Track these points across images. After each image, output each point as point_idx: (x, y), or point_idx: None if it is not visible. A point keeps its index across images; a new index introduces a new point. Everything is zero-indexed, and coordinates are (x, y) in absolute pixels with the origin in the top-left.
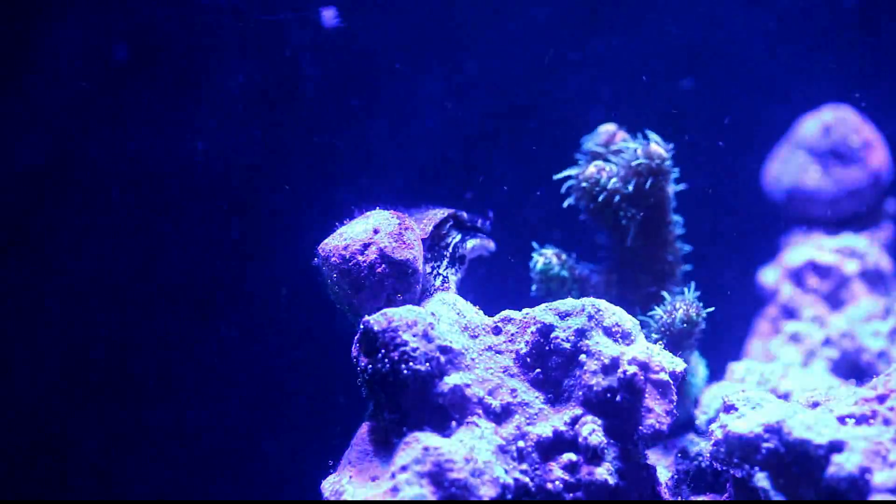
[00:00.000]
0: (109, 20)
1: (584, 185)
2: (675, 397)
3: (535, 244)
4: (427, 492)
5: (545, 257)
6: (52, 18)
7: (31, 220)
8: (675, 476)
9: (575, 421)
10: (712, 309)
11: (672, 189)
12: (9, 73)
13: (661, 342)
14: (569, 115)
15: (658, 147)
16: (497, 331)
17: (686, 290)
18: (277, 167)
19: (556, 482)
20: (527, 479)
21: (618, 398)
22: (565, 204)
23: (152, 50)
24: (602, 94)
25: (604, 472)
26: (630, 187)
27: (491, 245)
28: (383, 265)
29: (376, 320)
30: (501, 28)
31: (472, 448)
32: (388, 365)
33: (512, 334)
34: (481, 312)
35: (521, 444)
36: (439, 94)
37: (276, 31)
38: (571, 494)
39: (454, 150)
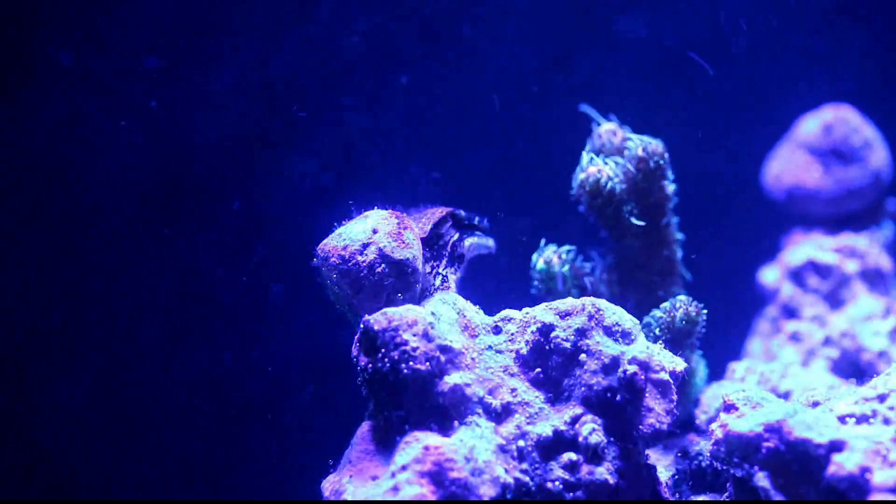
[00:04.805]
0: (112, 17)
1: (584, 184)
2: (675, 397)
3: (543, 241)
4: (427, 491)
5: (545, 256)
6: (53, 21)
7: (31, 220)
8: (675, 475)
9: (575, 420)
10: (706, 306)
11: (672, 188)
12: (10, 74)
13: (661, 341)
14: (569, 113)
15: (656, 146)
16: (497, 330)
17: (685, 289)
18: (276, 167)
19: (557, 482)
20: (527, 479)
21: (618, 397)
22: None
23: (153, 48)
24: (602, 93)
25: (604, 472)
26: (629, 186)
27: (490, 243)
28: (383, 265)
29: (376, 320)
30: (501, 27)
31: (473, 447)
32: (388, 364)
33: (512, 334)
34: (481, 312)
35: (521, 443)
36: (440, 94)
37: (276, 30)
38: (571, 494)
39: (454, 150)
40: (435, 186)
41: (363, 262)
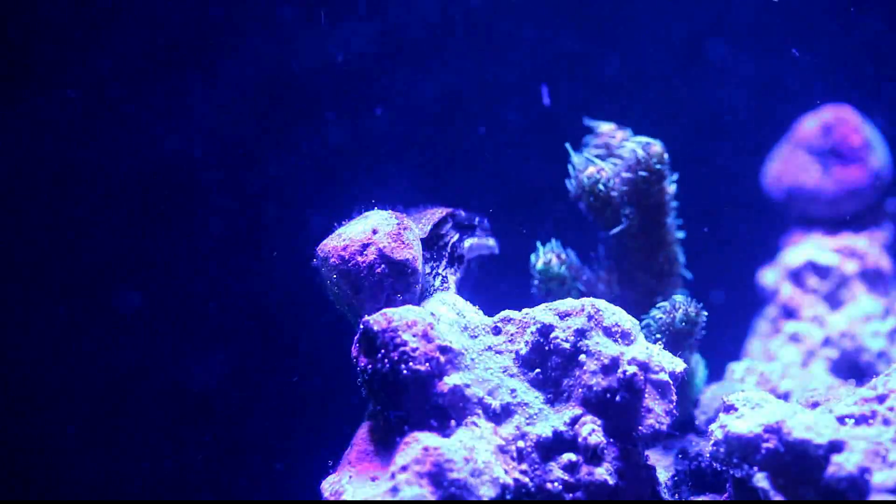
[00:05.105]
0: (112, 15)
1: (584, 184)
2: (674, 397)
3: (539, 244)
4: (427, 492)
5: (545, 256)
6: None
7: (30, 219)
8: (675, 476)
9: (575, 421)
10: (706, 306)
11: (671, 189)
12: (13, 74)
13: (660, 342)
14: (569, 113)
15: (656, 147)
16: (497, 331)
17: (685, 289)
18: (276, 168)
19: (556, 482)
20: (526, 480)
21: (617, 398)
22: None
23: (154, 47)
24: (602, 93)
25: (603, 473)
26: (629, 187)
27: (491, 243)
28: (382, 265)
29: (376, 320)
30: (500, 27)
31: (472, 448)
32: (387, 365)
33: (512, 334)
34: (481, 312)
35: (520, 444)
36: (439, 93)
37: (277, 28)
38: (571, 494)
39: (455, 150)
40: (436, 186)
41: (363, 262)
